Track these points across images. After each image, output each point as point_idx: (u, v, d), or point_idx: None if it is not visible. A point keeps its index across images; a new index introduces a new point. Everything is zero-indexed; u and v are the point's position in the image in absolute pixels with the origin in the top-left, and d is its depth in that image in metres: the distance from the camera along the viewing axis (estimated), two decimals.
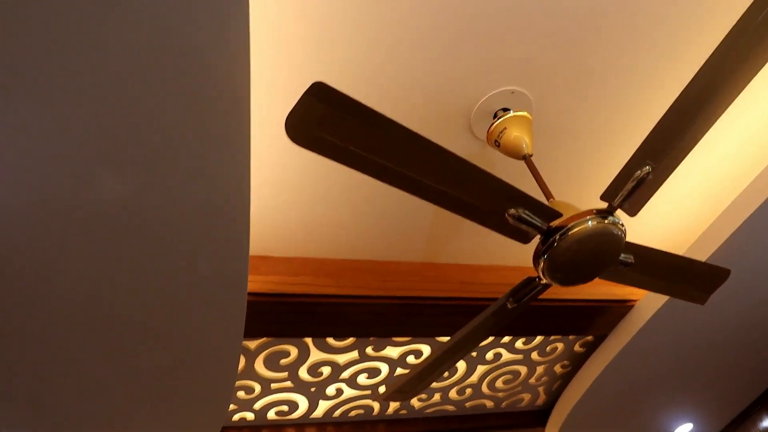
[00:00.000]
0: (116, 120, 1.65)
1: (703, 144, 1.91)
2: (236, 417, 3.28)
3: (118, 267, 2.02)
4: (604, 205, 1.93)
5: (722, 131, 2.75)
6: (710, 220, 2.93)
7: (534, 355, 3.56)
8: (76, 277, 2.01)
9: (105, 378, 2.41)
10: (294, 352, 2.99)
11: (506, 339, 3.37)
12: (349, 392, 3.36)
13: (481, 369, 3.53)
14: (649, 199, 1.96)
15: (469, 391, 3.65)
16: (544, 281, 2.04)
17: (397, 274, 2.88)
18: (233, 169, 1.84)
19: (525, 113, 2.37)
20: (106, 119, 1.64)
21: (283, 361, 3.02)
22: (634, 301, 3.24)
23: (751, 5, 1.53)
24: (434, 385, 3.49)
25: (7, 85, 1.51)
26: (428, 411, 3.71)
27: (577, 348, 3.61)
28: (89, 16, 1.45)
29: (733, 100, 1.72)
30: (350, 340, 3.04)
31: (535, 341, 3.45)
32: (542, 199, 2.15)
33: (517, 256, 3.02)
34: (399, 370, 3.31)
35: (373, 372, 3.27)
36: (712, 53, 1.60)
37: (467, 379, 3.55)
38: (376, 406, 3.56)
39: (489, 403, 3.82)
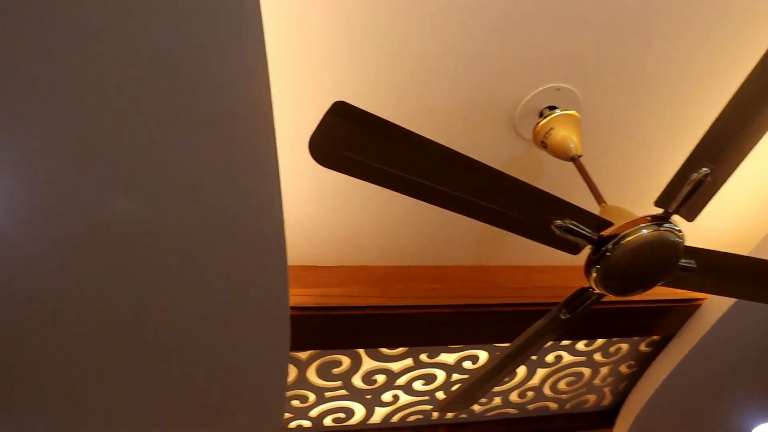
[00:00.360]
0: (135, 143, 1.63)
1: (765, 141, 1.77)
2: (293, 424, 3.26)
3: (153, 287, 2.00)
4: (658, 210, 1.80)
5: None
6: None
7: (597, 357, 3.42)
8: (111, 300, 2.00)
9: (154, 402, 2.42)
10: (346, 361, 2.94)
11: (566, 342, 3.24)
12: (405, 398, 3.29)
13: (541, 372, 3.41)
14: (707, 202, 1.82)
15: (530, 394, 3.54)
16: (597, 291, 1.93)
17: (447, 280, 2.79)
18: (262, 181, 1.79)
19: (573, 112, 2.25)
20: (121, 142, 1.61)
21: (336, 371, 2.97)
22: (702, 300, 3.07)
23: None
24: (494, 389, 3.39)
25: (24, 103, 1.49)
26: (489, 414, 3.61)
27: (642, 348, 3.46)
28: (96, 33, 1.41)
29: None
30: (403, 348, 2.96)
31: (597, 343, 3.31)
32: (593, 203, 2.05)
33: (572, 256, 2.89)
34: (456, 376, 3.23)
35: (429, 378, 3.20)
36: None
37: (528, 382, 3.44)
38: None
39: (552, 405, 3.70)
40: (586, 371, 3.49)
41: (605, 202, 2.03)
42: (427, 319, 2.70)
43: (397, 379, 3.14)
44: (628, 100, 2.34)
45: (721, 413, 3.73)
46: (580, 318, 2.09)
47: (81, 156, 1.62)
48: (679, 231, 1.80)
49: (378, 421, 3.39)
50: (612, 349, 3.39)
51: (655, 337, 3.40)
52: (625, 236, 1.76)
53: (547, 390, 3.55)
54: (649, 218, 1.77)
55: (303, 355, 2.85)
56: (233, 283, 2.08)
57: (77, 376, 2.26)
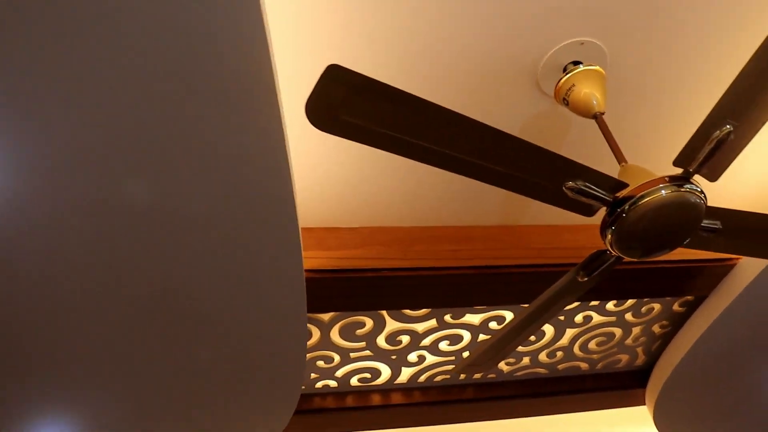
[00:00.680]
0: (145, 121, 1.64)
1: None
2: (319, 384, 3.28)
3: (176, 258, 2.03)
4: (679, 170, 1.73)
5: None
6: None
7: (628, 317, 3.35)
8: (139, 270, 2.03)
9: (176, 368, 2.47)
10: (369, 322, 2.94)
11: (595, 303, 3.17)
12: (431, 359, 3.28)
13: (570, 332, 3.36)
14: (731, 161, 1.74)
15: (560, 354, 3.50)
16: (615, 254, 1.87)
17: (471, 241, 2.74)
18: (269, 149, 1.77)
19: (597, 67, 2.16)
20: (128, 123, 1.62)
21: (359, 332, 2.97)
22: (736, 260, 2.97)
23: None
24: (521, 348, 3.36)
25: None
26: (518, 374, 3.58)
27: (676, 308, 3.37)
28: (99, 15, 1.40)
29: None
30: (426, 309, 2.94)
31: (628, 303, 3.24)
32: (613, 162, 1.98)
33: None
34: (482, 336, 3.20)
35: (455, 339, 3.17)
36: None
37: (557, 342, 3.39)
38: None
39: (583, 365, 3.66)
40: (617, 331, 3.43)
41: (626, 162, 1.96)
42: (449, 280, 2.66)
43: (422, 339, 3.12)
44: (658, 57, 2.23)
45: (757, 375, 3.64)
46: (600, 280, 2.04)
47: (96, 134, 1.64)
48: (700, 191, 1.73)
49: (405, 381, 3.40)
50: (644, 309, 3.32)
51: (689, 297, 3.31)
52: (641, 198, 1.70)
53: (576, 350, 3.50)
54: (667, 179, 1.71)
55: (325, 316, 2.85)
56: (249, 249, 2.09)
57: (109, 344, 2.31)
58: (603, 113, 2.08)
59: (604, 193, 1.71)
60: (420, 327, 3.06)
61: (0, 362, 2.27)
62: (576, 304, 3.13)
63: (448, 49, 2.10)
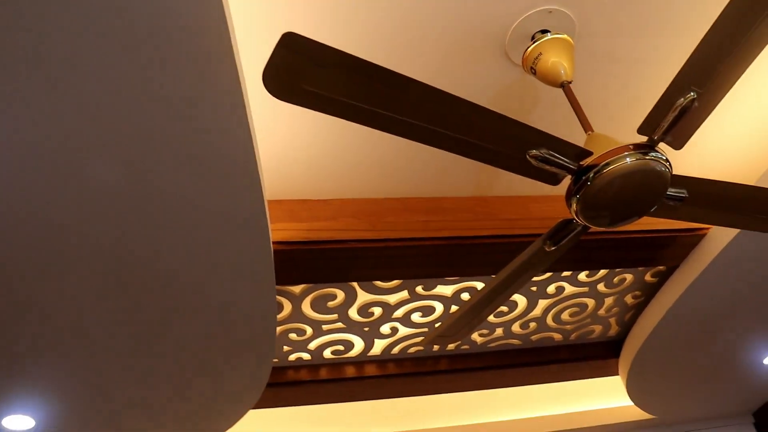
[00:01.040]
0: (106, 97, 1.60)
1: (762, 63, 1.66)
2: (292, 357, 3.28)
3: (142, 221, 2.00)
4: (644, 138, 1.72)
5: None
6: None
7: (600, 287, 3.36)
8: (106, 230, 2.01)
9: (142, 343, 2.45)
10: (341, 294, 2.93)
11: (567, 273, 3.18)
12: (405, 330, 3.28)
13: (543, 303, 3.37)
14: (695, 129, 1.74)
15: (533, 324, 3.51)
16: (581, 223, 1.87)
17: (442, 212, 2.73)
18: (229, 116, 1.74)
19: (565, 36, 2.15)
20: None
21: (331, 304, 2.96)
22: (706, 229, 2.99)
23: None
24: (493, 319, 3.37)
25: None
26: (492, 345, 3.60)
27: (648, 278, 3.39)
28: None
29: None
30: (398, 281, 2.94)
31: (600, 273, 3.25)
32: (580, 131, 1.97)
33: None
34: (454, 307, 3.20)
35: (427, 310, 3.17)
36: None
37: (530, 313, 3.40)
38: None
39: (557, 336, 3.67)
40: (590, 302, 3.44)
41: (592, 130, 1.95)
42: (419, 251, 2.66)
43: (394, 311, 3.12)
44: (625, 26, 2.22)
45: (728, 343, 3.69)
46: (567, 250, 2.04)
47: (56, 106, 1.61)
48: (665, 159, 1.73)
49: (378, 353, 3.40)
50: (616, 279, 3.33)
51: (661, 268, 3.33)
52: (605, 165, 1.69)
53: (550, 321, 3.51)
54: (631, 146, 1.70)
55: (296, 288, 2.84)
56: (214, 220, 2.06)
57: (71, 317, 2.28)
58: (570, 82, 2.07)
59: (568, 161, 1.70)
60: (392, 299, 3.05)
61: None
62: (548, 274, 3.14)
63: (415, 17, 2.08)
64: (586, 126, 1.96)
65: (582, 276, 3.24)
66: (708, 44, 1.54)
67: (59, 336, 2.34)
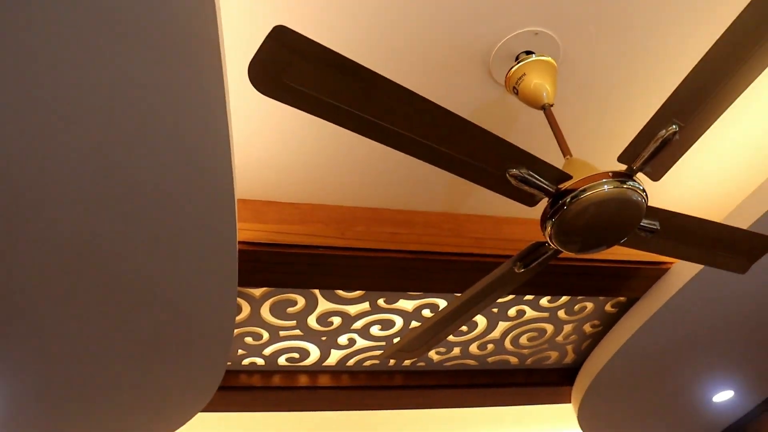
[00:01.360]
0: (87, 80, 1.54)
1: (742, 102, 1.67)
2: (246, 362, 3.21)
3: (106, 218, 1.93)
4: (623, 167, 1.72)
5: (765, 87, 2.44)
6: (751, 188, 2.67)
7: (561, 314, 3.36)
8: (70, 221, 1.93)
9: (93, 334, 2.36)
10: (301, 301, 2.88)
11: (529, 297, 3.18)
12: (362, 343, 3.24)
13: (503, 325, 3.36)
14: (675, 162, 1.74)
15: (491, 346, 3.50)
16: (553, 247, 1.86)
17: (411, 226, 2.70)
18: (208, 112, 1.69)
19: (549, 59, 2.14)
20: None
21: (290, 310, 2.91)
22: (670, 264, 3.01)
23: None
24: (452, 338, 3.35)
25: None
26: (448, 364, 3.58)
27: (608, 308, 3.40)
28: None
29: None
30: (360, 292, 2.90)
31: (562, 300, 3.25)
32: (558, 155, 1.96)
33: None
34: (414, 323, 3.17)
35: (387, 324, 3.14)
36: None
37: (489, 334, 3.39)
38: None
39: (513, 359, 3.67)
40: (549, 327, 3.45)
41: (571, 155, 1.95)
42: (385, 263, 2.62)
43: (353, 322, 3.08)
44: (609, 53, 2.23)
45: (681, 380, 3.72)
46: (536, 273, 2.02)
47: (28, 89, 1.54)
48: (642, 190, 1.73)
49: (333, 364, 3.35)
50: (577, 307, 3.34)
51: (622, 299, 3.35)
52: (583, 191, 1.68)
53: (508, 344, 3.50)
54: (610, 174, 1.69)
55: (256, 291, 2.78)
56: (181, 213, 2.00)
57: (29, 306, 2.20)
58: (551, 105, 2.07)
59: (547, 183, 1.68)
60: (352, 309, 3.01)
61: None
62: (510, 297, 3.13)
63: (401, 32, 2.06)
64: (564, 150, 1.96)
65: (544, 301, 3.24)
66: (694, 79, 1.54)
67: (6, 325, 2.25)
